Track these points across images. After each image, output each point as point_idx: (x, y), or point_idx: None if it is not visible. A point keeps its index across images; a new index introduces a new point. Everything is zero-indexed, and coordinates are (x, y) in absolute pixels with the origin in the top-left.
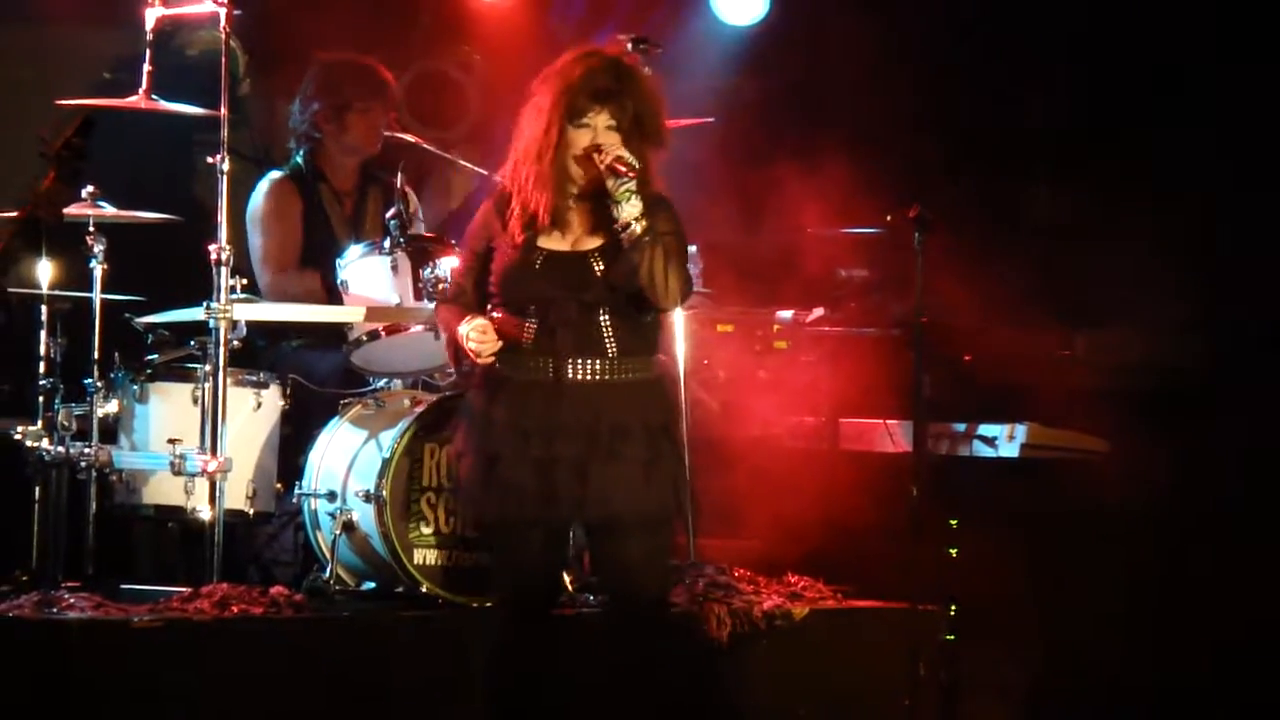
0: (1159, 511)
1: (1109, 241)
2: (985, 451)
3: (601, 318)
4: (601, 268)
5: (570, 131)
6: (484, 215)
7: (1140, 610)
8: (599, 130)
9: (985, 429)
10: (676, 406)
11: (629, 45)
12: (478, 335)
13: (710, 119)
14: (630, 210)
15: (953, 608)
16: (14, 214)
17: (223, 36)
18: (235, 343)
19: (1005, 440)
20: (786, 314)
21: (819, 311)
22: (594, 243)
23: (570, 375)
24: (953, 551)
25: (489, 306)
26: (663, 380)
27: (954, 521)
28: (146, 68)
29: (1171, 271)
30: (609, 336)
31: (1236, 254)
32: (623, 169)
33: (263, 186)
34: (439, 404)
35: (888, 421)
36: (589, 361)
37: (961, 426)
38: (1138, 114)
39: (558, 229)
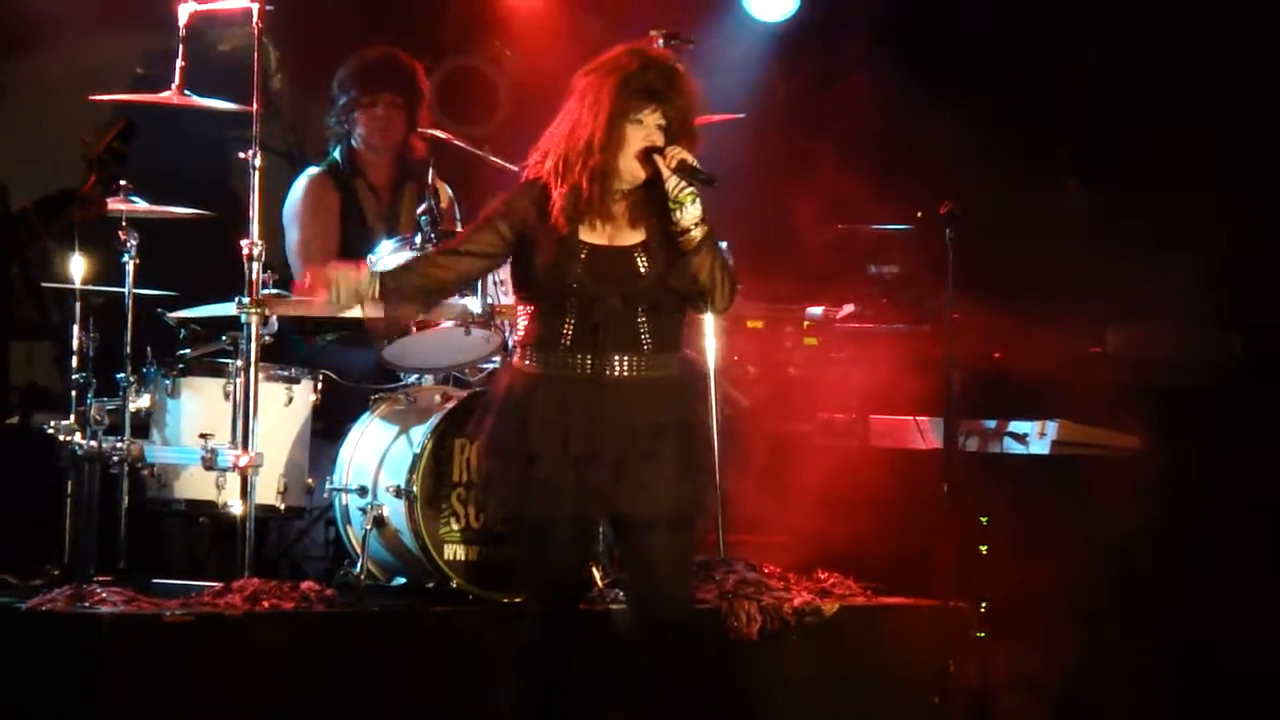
0: (1192, 509)
1: (1141, 237)
2: (1016, 448)
3: (640, 314)
4: (645, 264)
5: (625, 127)
6: (517, 202)
7: (1171, 607)
8: (650, 128)
9: (1016, 426)
10: (705, 403)
11: (660, 41)
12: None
13: (741, 115)
14: (693, 214)
15: (983, 605)
16: (50, 211)
17: (255, 32)
18: (267, 338)
19: (1036, 437)
20: (817, 310)
21: (849, 308)
22: (635, 238)
23: (610, 372)
24: (983, 548)
25: (519, 306)
26: (689, 376)
27: (984, 519)
28: (179, 63)
29: (1204, 266)
30: (645, 333)
31: (1270, 248)
32: (688, 172)
33: (300, 182)
34: (469, 399)
35: (918, 418)
36: (626, 358)
37: (992, 423)
38: (1172, 107)
39: (599, 223)
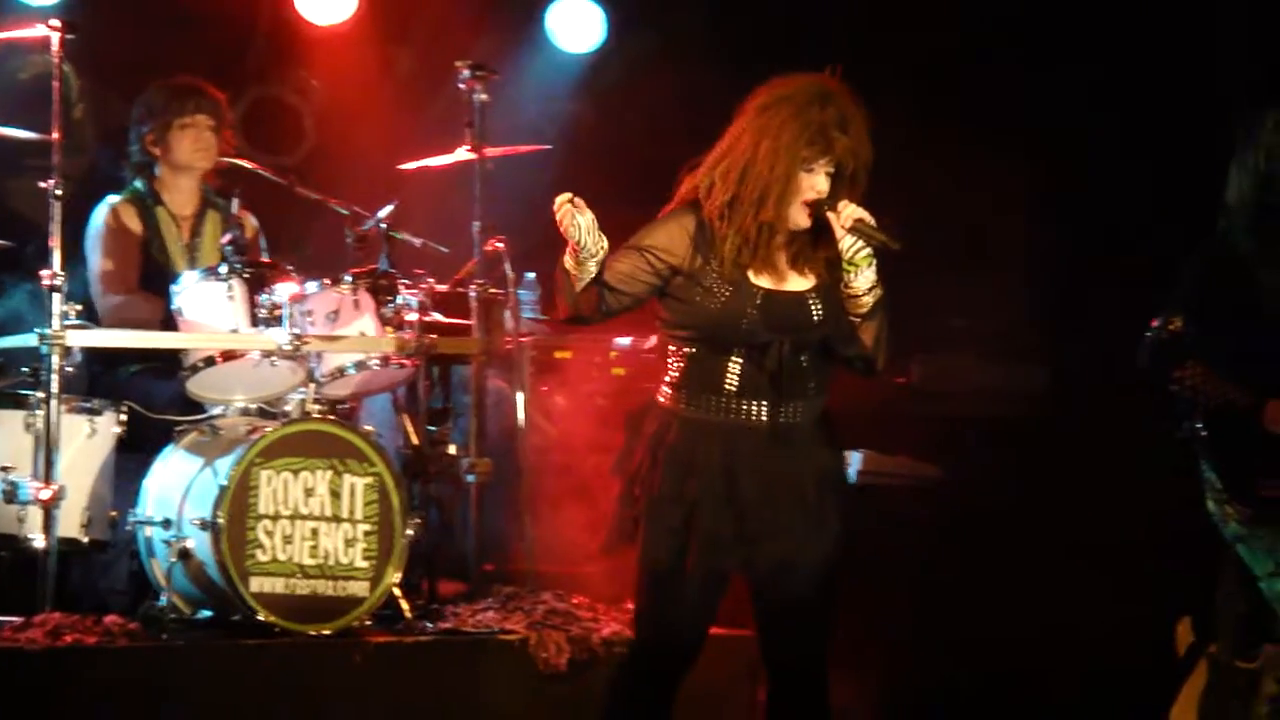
0: (993, 537)
1: (947, 269)
2: None
3: (804, 360)
4: (820, 311)
5: (799, 175)
6: (674, 233)
7: (972, 635)
8: (819, 175)
9: None
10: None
11: (466, 72)
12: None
13: (548, 146)
14: (869, 278)
15: None
16: None
17: (56, 60)
18: (69, 369)
19: None
20: (624, 340)
21: (656, 339)
22: (805, 283)
23: (781, 421)
24: None
25: (671, 345)
26: (834, 420)
27: None
28: None
29: (1009, 300)
30: (810, 379)
31: (1074, 283)
32: (866, 233)
33: (101, 210)
34: (276, 431)
35: None
36: (794, 405)
37: None
38: (975, 141)
39: (765, 267)
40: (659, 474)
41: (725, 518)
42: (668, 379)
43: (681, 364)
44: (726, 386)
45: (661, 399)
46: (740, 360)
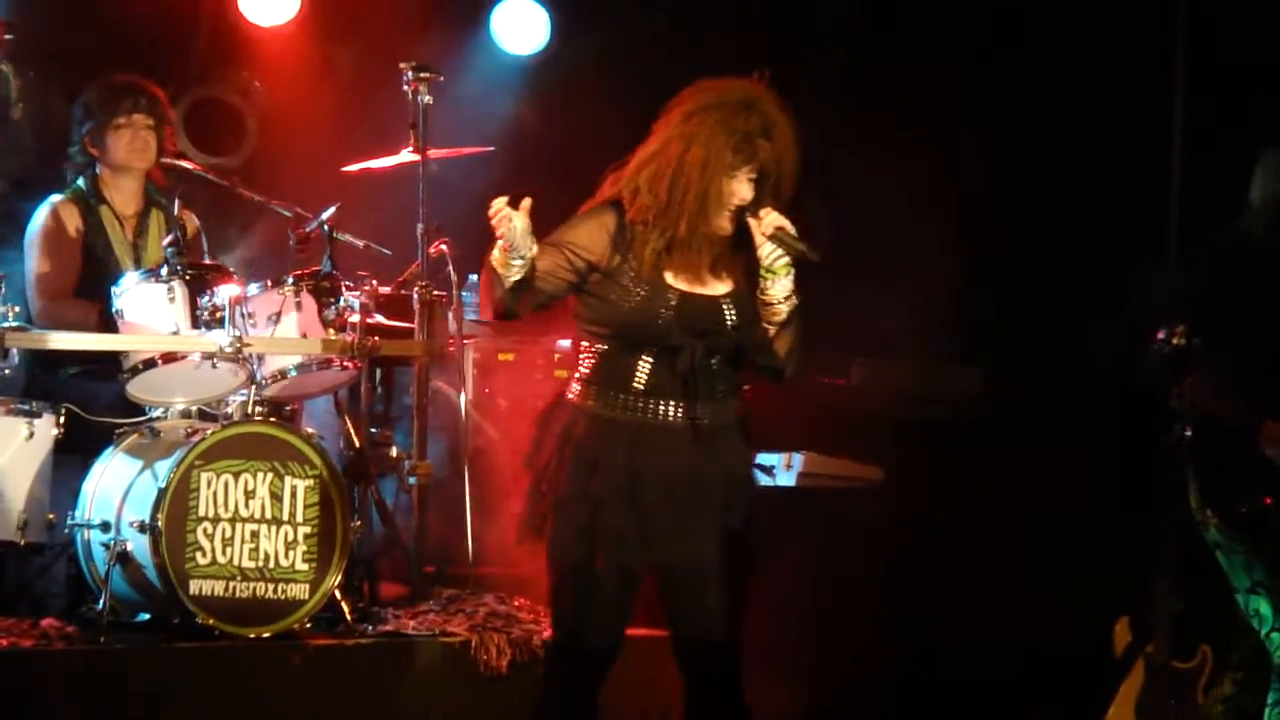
0: (933, 538)
1: (885, 272)
2: (763, 480)
3: (715, 363)
4: (734, 316)
5: (724, 181)
6: (600, 232)
7: (913, 640)
8: (743, 181)
9: (763, 458)
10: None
11: (410, 73)
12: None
13: (491, 148)
14: (785, 286)
15: None
16: None
17: None
18: (6, 371)
19: (783, 469)
20: (566, 343)
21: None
22: (721, 287)
23: (687, 422)
24: None
25: (584, 341)
26: (747, 422)
27: None
28: None
29: (945, 303)
30: (719, 381)
31: (1009, 286)
32: (785, 241)
33: (43, 210)
34: (217, 434)
35: None
36: (701, 406)
37: None
38: (907, 143)
39: (685, 271)
40: (565, 471)
41: (629, 518)
42: (578, 375)
43: (593, 360)
44: (635, 385)
45: (570, 395)
46: (650, 360)
